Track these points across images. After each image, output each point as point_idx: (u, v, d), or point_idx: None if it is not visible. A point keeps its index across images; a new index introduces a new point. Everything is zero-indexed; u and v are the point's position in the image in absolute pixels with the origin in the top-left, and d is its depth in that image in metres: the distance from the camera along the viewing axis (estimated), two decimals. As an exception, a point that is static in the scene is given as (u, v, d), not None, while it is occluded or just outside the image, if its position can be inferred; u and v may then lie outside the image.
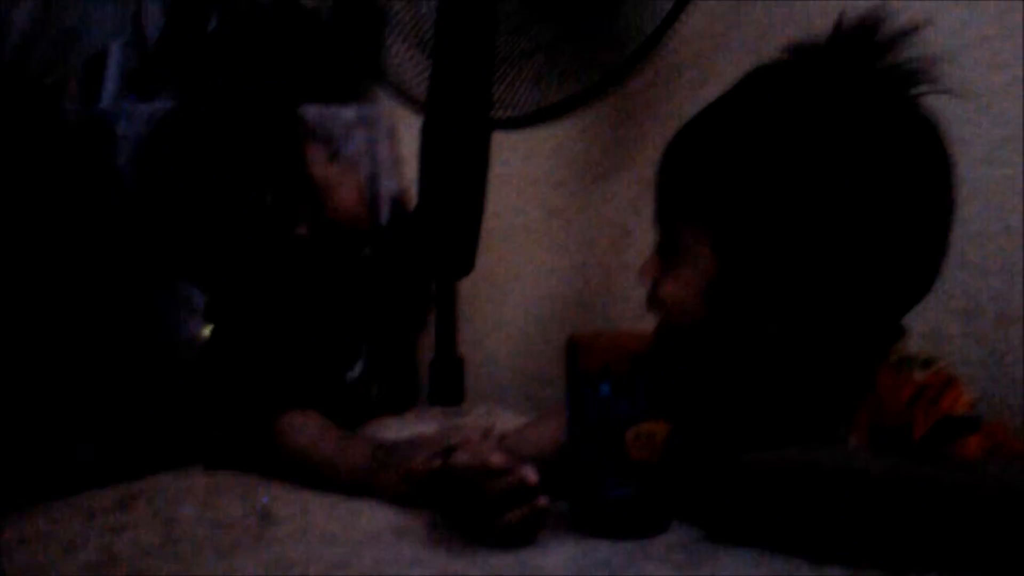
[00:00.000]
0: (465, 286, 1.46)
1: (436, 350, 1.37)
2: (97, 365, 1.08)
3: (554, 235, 1.62)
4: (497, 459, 0.77)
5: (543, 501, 0.77)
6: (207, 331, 1.41)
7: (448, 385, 1.36)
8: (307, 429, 0.99)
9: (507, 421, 1.19)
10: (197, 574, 0.76)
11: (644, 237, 1.47)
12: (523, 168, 1.63)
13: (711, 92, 0.89)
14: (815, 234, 0.76)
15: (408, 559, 0.77)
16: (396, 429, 1.12)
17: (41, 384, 1.04)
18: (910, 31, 0.78)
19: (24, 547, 0.82)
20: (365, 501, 0.91)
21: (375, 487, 0.91)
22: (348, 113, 1.69)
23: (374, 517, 0.87)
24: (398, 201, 1.72)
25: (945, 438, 0.74)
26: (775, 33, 1.37)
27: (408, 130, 1.71)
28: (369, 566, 0.76)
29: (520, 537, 0.78)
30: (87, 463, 1.15)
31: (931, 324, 1.21)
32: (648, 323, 0.89)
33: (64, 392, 1.04)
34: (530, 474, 0.77)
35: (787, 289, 0.77)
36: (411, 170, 1.66)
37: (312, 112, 1.62)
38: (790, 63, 0.82)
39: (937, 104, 1.23)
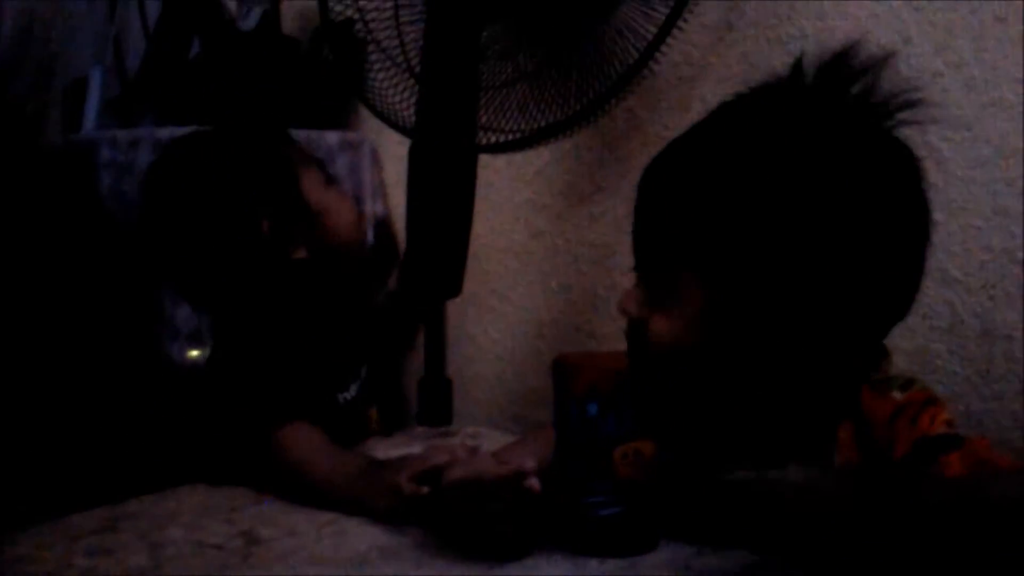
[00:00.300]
0: (452, 308, 1.47)
1: (425, 371, 1.37)
2: (80, 388, 1.08)
3: (539, 257, 1.62)
4: (531, 464, 0.79)
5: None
6: (193, 354, 1.41)
7: (436, 406, 1.36)
8: (305, 442, 0.99)
9: (495, 441, 1.19)
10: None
11: (628, 258, 1.48)
12: (508, 191, 1.64)
13: (693, 117, 0.89)
14: (802, 263, 0.76)
15: (397, 579, 0.77)
16: (384, 450, 1.11)
17: (24, 406, 1.03)
18: (882, 60, 0.79)
19: (9, 570, 0.81)
20: (352, 522, 0.91)
21: (367, 504, 0.91)
22: (331, 138, 1.70)
23: (361, 538, 0.87)
24: (382, 224, 1.72)
25: (926, 456, 0.75)
26: (755, 59, 1.39)
27: (393, 155, 1.73)
28: (357, 587, 0.76)
29: (524, 545, 0.78)
30: (72, 485, 1.14)
31: (916, 342, 1.22)
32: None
33: (48, 414, 1.03)
34: (534, 482, 0.78)
35: (778, 317, 0.77)
36: (397, 194, 1.67)
37: (296, 137, 1.63)
38: (760, 95, 0.83)
39: (917, 126, 1.25)
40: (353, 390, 1.17)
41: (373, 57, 1.49)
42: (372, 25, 1.43)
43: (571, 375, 0.81)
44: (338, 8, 1.46)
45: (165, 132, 1.67)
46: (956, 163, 1.23)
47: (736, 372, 0.78)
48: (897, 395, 0.78)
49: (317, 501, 0.95)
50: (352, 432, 1.12)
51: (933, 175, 1.24)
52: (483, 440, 1.23)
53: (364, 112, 1.68)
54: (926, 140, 1.25)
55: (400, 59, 1.45)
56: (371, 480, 0.92)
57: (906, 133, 1.24)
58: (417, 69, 1.40)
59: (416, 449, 1.14)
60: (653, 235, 0.83)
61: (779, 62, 1.35)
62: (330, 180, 1.18)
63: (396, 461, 0.93)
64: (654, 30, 1.28)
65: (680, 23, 1.26)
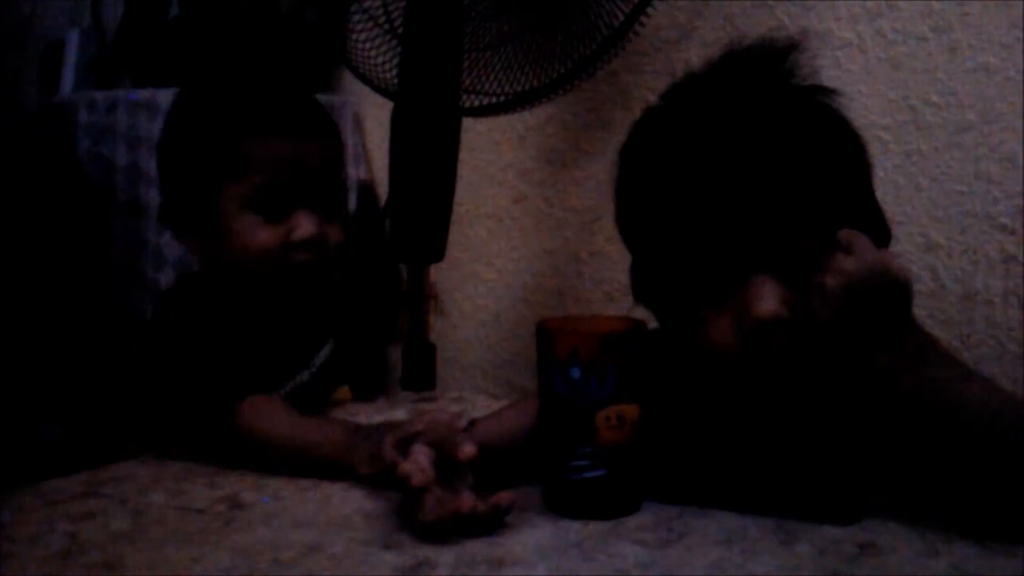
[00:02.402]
0: (436, 273, 1.46)
1: (408, 336, 1.37)
2: (62, 348, 1.06)
3: (523, 221, 1.62)
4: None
5: (467, 504, 0.77)
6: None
7: (420, 371, 1.36)
8: (268, 414, 0.96)
9: (479, 406, 1.19)
10: (166, 561, 0.75)
11: (611, 223, 1.47)
12: (492, 155, 1.64)
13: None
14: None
15: (380, 543, 0.77)
16: (368, 415, 1.11)
17: (4, 366, 1.02)
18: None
19: (-9, 534, 0.81)
20: (336, 486, 0.91)
21: (348, 470, 0.90)
22: (313, 101, 1.69)
23: (345, 501, 0.87)
24: (365, 188, 1.72)
25: None
26: (740, 22, 1.38)
27: (375, 118, 1.72)
28: (340, 550, 0.76)
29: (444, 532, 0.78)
30: (54, 446, 1.13)
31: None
32: (616, 307, 0.89)
33: (28, 374, 1.02)
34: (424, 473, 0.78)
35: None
36: (380, 158, 1.66)
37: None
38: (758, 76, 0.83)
39: (901, 89, 1.25)
40: (305, 376, 1.12)
41: (356, 18, 1.47)
42: (354, -16, 1.41)
43: (554, 339, 0.81)
44: (319, -33, 1.45)
45: (144, 94, 1.65)
46: (940, 128, 1.23)
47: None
48: None
49: (293, 470, 0.93)
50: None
51: (916, 140, 1.25)
52: (467, 404, 1.23)
53: (347, 75, 1.67)
54: (910, 104, 1.25)
55: (383, 20, 1.44)
56: (352, 446, 0.91)
57: (890, 99, 1.26)
58: (400, 30, 1.38)
59: (398, 414, 1.14)
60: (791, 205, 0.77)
61: (764, 25, 1.34)
62: (259, 203, 1.03)
63: (379, 427, 0.92)
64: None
65: (666, -14, 1.26)
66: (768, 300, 0.76)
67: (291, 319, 1.11)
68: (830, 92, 0.82)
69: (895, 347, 0.72)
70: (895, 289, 0.72)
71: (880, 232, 0.83)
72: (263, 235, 1.02)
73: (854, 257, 0.72)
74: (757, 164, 0.77)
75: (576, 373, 0.79)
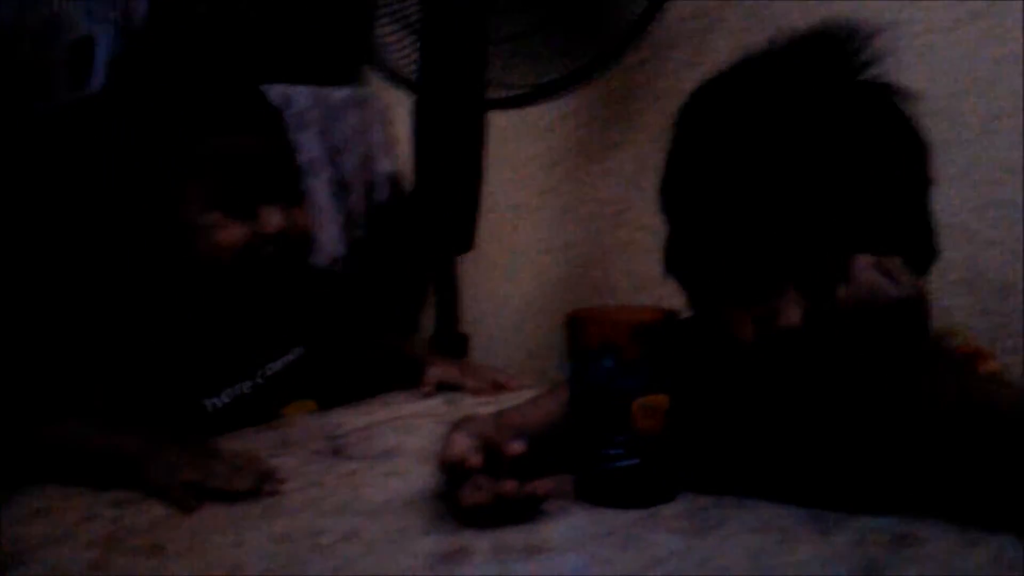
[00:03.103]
0: (464, 264, 1.46)
1: (437, 326, 1.37)
2: (69, 345, 1.06)
3: (551, 213, 1.62)
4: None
5: (510, 487, 0.77)
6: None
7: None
8: (70, 437, 0.95)
9: (510, 395, 1.20)
10: (208, 546, 0.76)
11: (640, 214, 1.48)
12: (519, 147, 1.64)
13: (705, 71, 0.87)
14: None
15: (418, 529, 0.78)
16: (403, 402, 1.12)
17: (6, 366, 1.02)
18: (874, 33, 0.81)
19: (38, 519, 0.82)
20: (374, 472, 0.92)
21: (145, 475, 0.88)
22: (340, 94, 1.70)
23: (383, 488, 0.88)
24: (394, 180, 1.72)
25: None
26: (765, 13, 1.38)
27: (405, 109, 1.72)
28: (379, 536, 0.77)
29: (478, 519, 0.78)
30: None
31: (935, 295, 1.22)
32: (645, 297, 0.89)
33: (27, 375, 1.02)
34: (473, 457, 0.78)
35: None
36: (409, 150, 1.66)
37: (303, 94, 1.62)
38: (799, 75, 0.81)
39: (931, 79, 1.25)
40: (226, 396, 1.09)
41: (379, 12, 1.48)
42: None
43: (586, 329, 0.81)
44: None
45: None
46: (974, 116, 1.23)
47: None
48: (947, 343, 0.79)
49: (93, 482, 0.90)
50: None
51: (951, 129, 1.24)
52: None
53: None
54: (941, 94, 1.25)
55: (401, 15, 1.44)
56: (143, 461, 0.89)
57: (920, 89, 1.25)
58: (418, 24, 1.38)
59: (432, 403, 1.14)
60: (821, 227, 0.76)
61: (789, 17, 1.33)
62: (222, 201, 1.03)
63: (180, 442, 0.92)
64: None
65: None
66: (794, 316, 0.76)
67: (244, 322, 1.09)
68: (902, 92, 0.80)
69: (899, 361, 0.73)
70: (891, 311, 0.71)
71: (923, 249, 0.81)
72: (231, 232, 1.02)
73: (850, 281, 0.72)
74: (811, 172, 0.75)
75: (609, 363, 0.80)
